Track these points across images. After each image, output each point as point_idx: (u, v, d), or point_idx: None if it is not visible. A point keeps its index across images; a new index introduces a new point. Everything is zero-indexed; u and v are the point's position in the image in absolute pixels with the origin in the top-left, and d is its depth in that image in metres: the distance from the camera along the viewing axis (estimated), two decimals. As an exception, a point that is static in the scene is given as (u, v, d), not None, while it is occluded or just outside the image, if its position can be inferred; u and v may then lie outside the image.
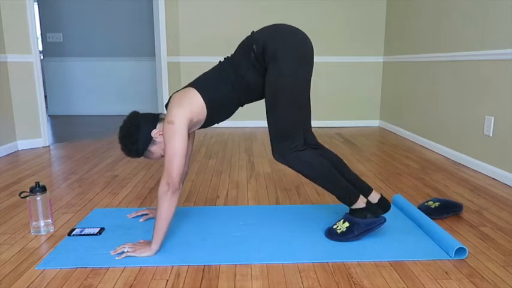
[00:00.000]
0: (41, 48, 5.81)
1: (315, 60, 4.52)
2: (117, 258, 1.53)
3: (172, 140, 1.51)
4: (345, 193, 1.70)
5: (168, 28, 4.48)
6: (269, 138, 1.70)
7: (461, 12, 3.02)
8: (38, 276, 1.43)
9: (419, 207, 2.01)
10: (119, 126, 1.67)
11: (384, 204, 1.80)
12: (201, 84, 1.64)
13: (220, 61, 1.72)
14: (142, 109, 6.64)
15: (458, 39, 3.07)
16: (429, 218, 1.82)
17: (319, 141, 1.80)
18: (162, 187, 1.52)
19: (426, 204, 2.01)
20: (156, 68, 4.56)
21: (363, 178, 2.64)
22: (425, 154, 3.33)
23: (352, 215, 1.71)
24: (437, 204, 1.97)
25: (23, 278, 1.42)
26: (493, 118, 2.65)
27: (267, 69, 1.61)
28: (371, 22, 4.61)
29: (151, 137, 1.64)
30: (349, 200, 1.70)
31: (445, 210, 1.95)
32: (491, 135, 2.67)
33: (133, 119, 1.66)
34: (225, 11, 4.53)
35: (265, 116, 1.68)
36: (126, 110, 5.83)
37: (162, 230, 1.55)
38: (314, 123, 4.74)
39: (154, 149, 1.67)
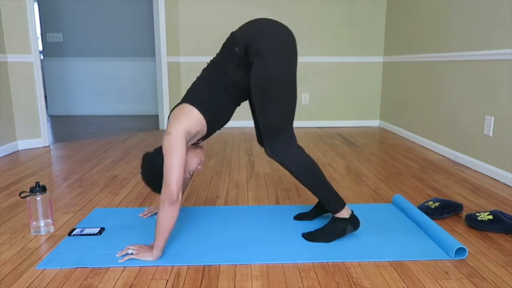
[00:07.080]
0: (41, 48, 5.82)
1: (315, 60, 4.60)
2: (119, 260, 1.53)
3: (170, 152, 1.49)
4: (331, 198, 1.68)
5: (168, 28, 4.48)
6: (260, 134, 1.66)
7: (462, 12, 3.02)
8: (38, 276, 1.43)
9: (419, 207, 2.01)
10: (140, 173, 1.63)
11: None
12: (193, 97, 1.61)
13: (204, 69, 1.70)
14: (142, 109, 6.60)
15: (458, 39, 3.07)
16: (429, 218, 1.82)
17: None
18: (161, 195, 1.50)
19: (426, 204, 2.01)
20: (156, 68, 4.56)
21: (363, 179, 2.65)
22: (425, 154, 3.33)
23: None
24: (437, 204, 1.97)
25: (23, 278, 1.42)
26: (493, 118, 2.65)
27: (251, 67, 1.58)
28: (371, 22, 4.61)
29: None
30: (334, 207, 1.68)
31: (445, 210, 1.95)
32: (491, 135, 2.67)
33: (148, 160, 1.68)
34: (225, 11, 4.53)
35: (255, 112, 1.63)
36: (126, 110, 5.91)
37: (162, 237, 1.52)
38: (314, 123, 4.78)
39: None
